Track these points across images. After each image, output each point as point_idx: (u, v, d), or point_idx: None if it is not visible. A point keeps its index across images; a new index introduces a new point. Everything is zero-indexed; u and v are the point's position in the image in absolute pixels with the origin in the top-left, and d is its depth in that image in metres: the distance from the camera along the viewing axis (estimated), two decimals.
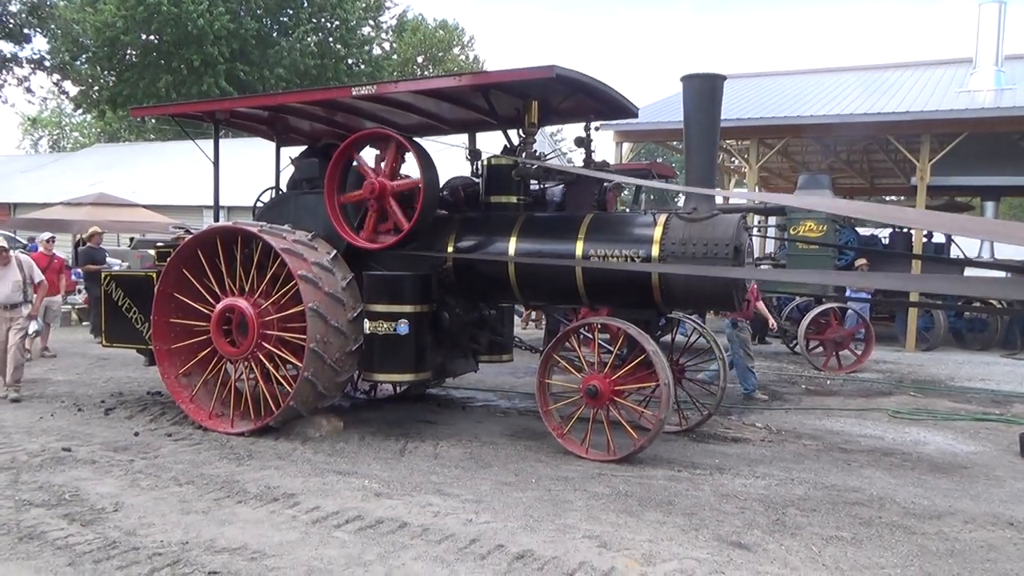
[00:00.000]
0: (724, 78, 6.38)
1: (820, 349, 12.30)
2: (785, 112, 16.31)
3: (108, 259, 12.45)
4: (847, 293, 12.65)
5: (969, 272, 13.04)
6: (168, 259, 7.17)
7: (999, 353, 14.46)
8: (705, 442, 7.02)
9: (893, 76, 19.46)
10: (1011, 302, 12.88)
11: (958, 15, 77.95)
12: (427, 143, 7.28)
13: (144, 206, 20.01)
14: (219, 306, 6.84)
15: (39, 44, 35.07)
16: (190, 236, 7.25)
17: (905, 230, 16.75)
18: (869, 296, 12.94)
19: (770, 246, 19.22)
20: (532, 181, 7.47)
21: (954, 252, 17.20)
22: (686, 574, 4.04)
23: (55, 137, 60.52)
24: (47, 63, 34.52)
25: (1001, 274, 11.89)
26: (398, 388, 8.59)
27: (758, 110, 16.79)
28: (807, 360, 12.08)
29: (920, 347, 14.82)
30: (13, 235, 21.73)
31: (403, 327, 6.64)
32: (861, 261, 14.02)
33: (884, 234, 18.64)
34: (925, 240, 16.46)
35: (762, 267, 14.32)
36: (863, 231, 17.63)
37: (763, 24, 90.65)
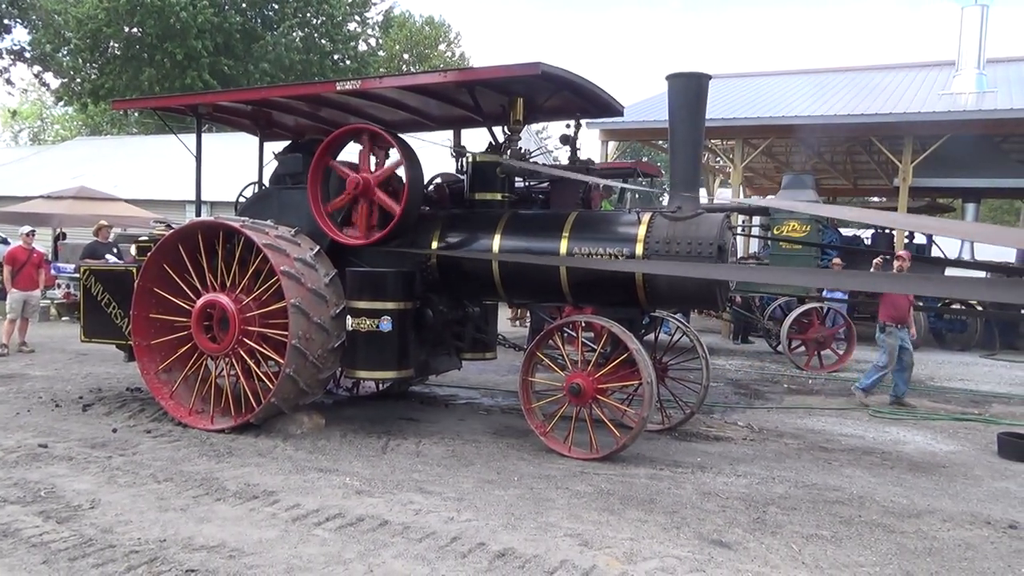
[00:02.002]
0: (709, 77, 6.39)
1: (802, 349, 12.38)
2: (770, 112, 16.40)
3: (108, 256, 12.08)
4: (824, 292, 12.74)
5: (949, 273, 13.17)
6: (149, 254, 7.10)
7: (978, 353, 14.60)
8: (687, 440, 7.04)
9: (877, 78, 19.61)
10: (990, 303, 13.01)
11: (945, 18, 78.56)
12: (412, 139, 7.24)
13: (126, 200, 19.80)
14: (200, 302, 6.77)
15: (19, 35, 34.76)
16: (171, 231, 7.18)
17: (887, 231, 16.89)
18: (845, 296, 13.04)
19: (754, 246, 19.31)
20: (517, 178, 7.46)
21: (935, 253, 17.36)
22: (667, 572, 4.04)
23: (36, 130, 59.89)
24: (28, 55, 34.14)
25: (981, 275, 12.01)
26: (381, 385, 8.55)
27: (743, 110, 16.86)
28: (789, 359, 12.16)
29: None
30: None
31: (386, 324, 6.61)
32: (836, 261, 14.15)
33: (866, 235, 18.78)
34: (907, 241, 16.60)
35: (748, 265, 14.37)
36: (845, 232, 17.75)
37: (753, 23, 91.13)
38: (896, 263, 9.44)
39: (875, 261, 11.39)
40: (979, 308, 13.16)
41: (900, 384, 9.13)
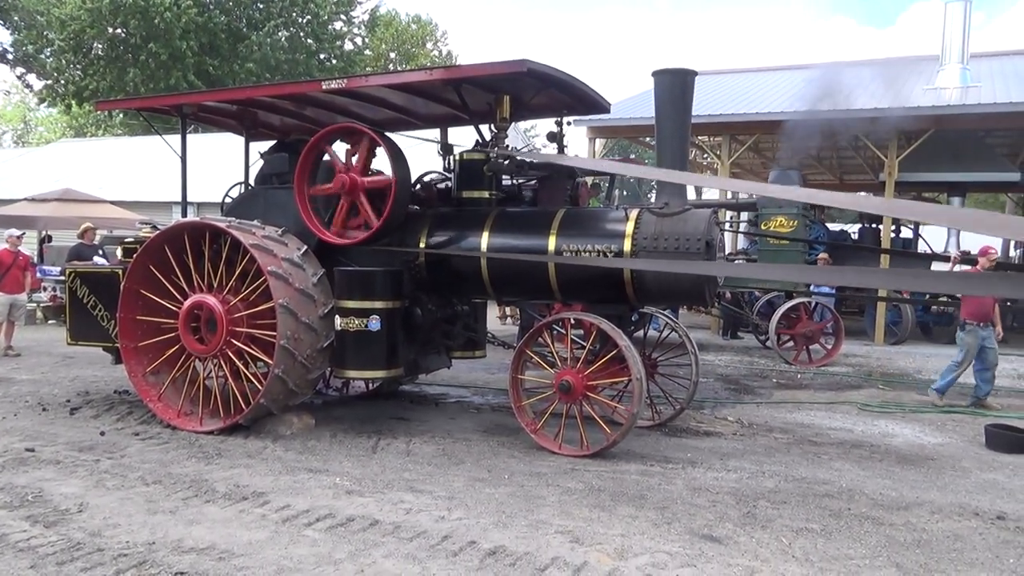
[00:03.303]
0: (695, 74, 6.40)
1: (791, 343, 12.44)
2: (756, 108, 16.44)
3: (96, 258, 11.97)
4: (811, 287, 12.80)
5: (936, 267, 13.26)
6: (135, 255, 7.05)
7: None
8: (677, 436, 7.06)
9: (862, 72, 19.66)
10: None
11: (928, 16, 78.98)
12: (398, 138, 7.22)
13: (111, 202, 19.67)
14: (187, 303, 6.73)
15: (2, 36, 34.49)
16: (157, 232, 7.13)
17: (873, 225, 16.97)
18: (832, 290, 13.11)
19: (742, 242, 19.38)
20: (504, 176, 7.45)
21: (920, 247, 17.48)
22: (658, 568, 4.04)
23: (19, 132, 59.39)
24: (10, 56, 33.87)
25: (967, 268, 12.08)
26: (370, 385, 8.53)
27: (729, 106, 16.90)
28: (778, 354, 12.21)
29: (888, 341, 15.04)
30: None
31: (375, 323, 6.59)
32: (822, 256, 14.23)
33: (853, 229, 18.88)
34: (893, 235, 16.69)
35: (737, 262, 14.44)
36: (833, 226, 17.84)
37: (738, 21, 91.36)
38: (980, 260, 8.86)
39: (954, 256, 11.20)
40: None
41: (982, 384, 8.75)
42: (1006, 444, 6.86)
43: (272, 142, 8.41)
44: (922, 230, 18.02)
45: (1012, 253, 22.04)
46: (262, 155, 7.95)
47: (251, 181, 8.30)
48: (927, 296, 13.33)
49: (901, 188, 16.77)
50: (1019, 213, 24.68)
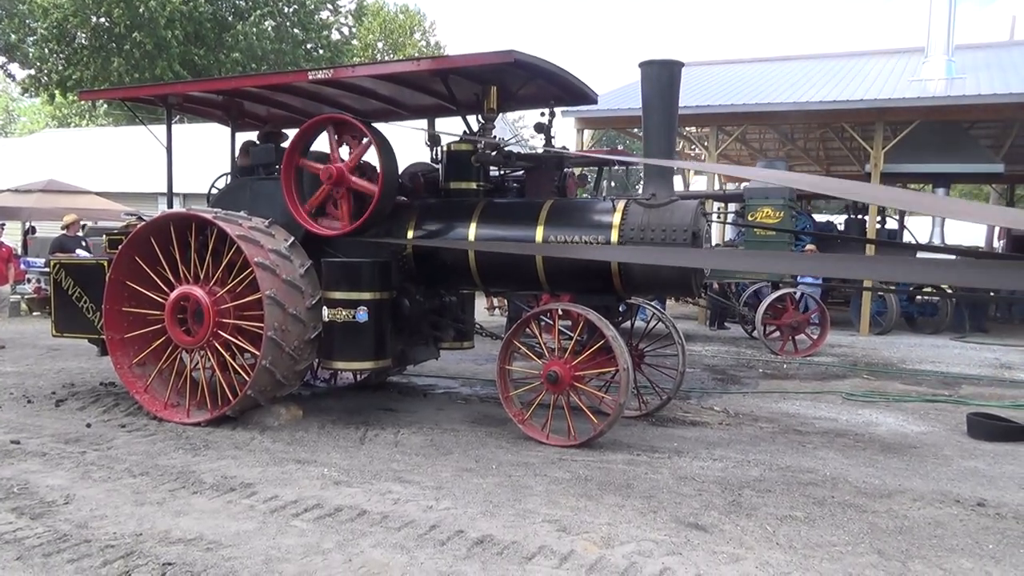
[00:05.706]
0: (682, 64, 6.41)
1: (777, 334, 12.52)
2: (743, 99, 16.49)
3: (79, 251, 11.91)
4: (797, 277, 12.88)
5: (921, 257, 13.37)
6: (120, 246, 7.01)
7: (948, 336, 14.85)
8: (664, 426, 7.10)
9: (848, 64, 19.78)
10: (960, 287, 13.21)
11: (914, 8, 79.19)
12: (386, 128, 7.20)
13: (96, 193, 19.53)
14: (173, 294, 6.71)
15: None
16: (143, 223, 7.09)
17: (859, 216, 17.08)
18: (818, 280, 13.21)
19: (729, 233, 19.45)
20: (492, 167, 7.45)
21: (906, 237, 17.61)
22: (644, 556, 4.08)
23: (2, 122, 58.75)
24: None
25: (951, 258, 12.19)
26: (358, 376, 8.53)
27: (717, 97, 16.94)
28: (764, 344, 12.29)
29: (873, 331, 15.16)
30: None
31: (362, 314, 6.58)
32: (810, 247, 14.31)
33: (839, 220, 19.00)
34: (879, 226, 16.81)
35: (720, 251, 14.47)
36: (819, 217, 17.95)
37: (726, 12, 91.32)
38: None
39: None
40: (949, 291, 13.37)
41: None
42: (987, 433, 6.94)
43: (253, 133, 8.35)
44: (907, 220, 18.16)
45: (995, 244, 22.23)
46: (243, 147, 7.90)
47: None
48: (911, 286, 13.46)
49: (887, 179, 16.87)
50: (1002, 204, 24.88)
